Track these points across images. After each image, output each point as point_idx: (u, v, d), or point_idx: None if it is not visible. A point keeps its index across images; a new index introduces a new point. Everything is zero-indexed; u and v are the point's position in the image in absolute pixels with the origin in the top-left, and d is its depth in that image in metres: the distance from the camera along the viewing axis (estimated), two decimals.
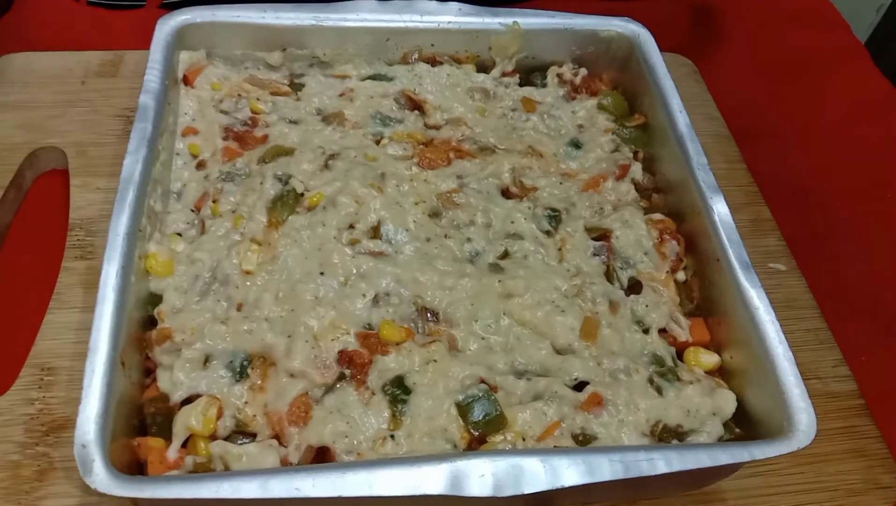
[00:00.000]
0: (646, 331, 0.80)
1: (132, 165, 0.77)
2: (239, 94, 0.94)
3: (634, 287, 0.83)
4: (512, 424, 0.70)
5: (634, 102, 1.00)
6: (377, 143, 0.92)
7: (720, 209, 0.82)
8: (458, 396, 0.71)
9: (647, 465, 0.64)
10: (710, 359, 0.80)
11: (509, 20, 1.00)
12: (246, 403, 0.70)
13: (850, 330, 0.96)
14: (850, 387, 0.91)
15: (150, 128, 0.80)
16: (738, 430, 0.76)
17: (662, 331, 0.81)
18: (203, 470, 0.67)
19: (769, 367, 0.72)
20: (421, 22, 0.98)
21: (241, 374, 0.71)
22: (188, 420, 0.68)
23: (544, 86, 1.02)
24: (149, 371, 0.74)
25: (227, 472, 0.66)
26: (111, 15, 1.20)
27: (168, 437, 0.68)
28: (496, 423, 0.70)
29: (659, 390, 0.75)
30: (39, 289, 0.86)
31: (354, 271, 0.77)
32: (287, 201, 0.82)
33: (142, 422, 0.71)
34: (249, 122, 0.91)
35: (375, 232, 0.81)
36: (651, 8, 1.18)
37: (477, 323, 0.76)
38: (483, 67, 1.02)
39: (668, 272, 0.85)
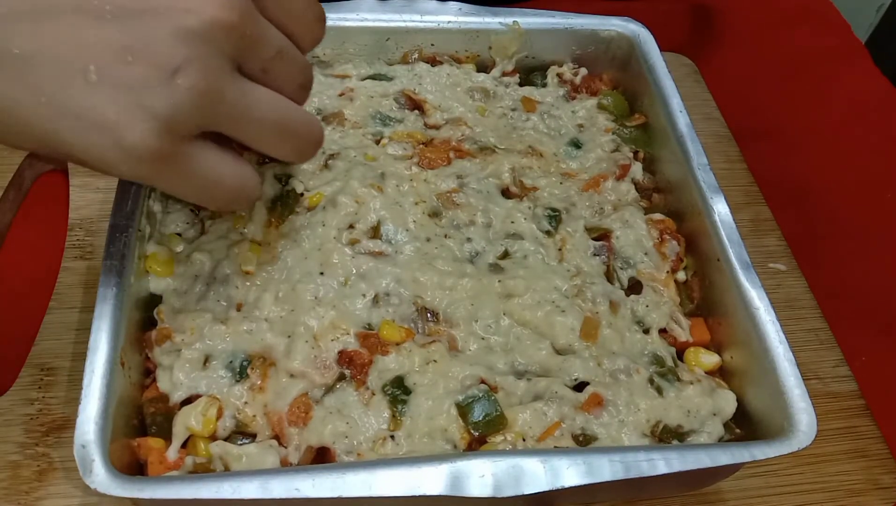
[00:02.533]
0: (646, 331, 0.80)
1: None
2: None
3: (634, 287, 0.83)
4: (512, 424, 0.70)
5: (634, 102, 1.00)
6: (377, 142, 0.91)
7: (720, 209, 0.82)
8: (458, 396, 0.71)
9: (648, 465, 0.64)
10: (710, 359, 0.80)
11: (509, 20, 0.99)
12: (246, 403, 0.70)
13: (850, 330, 0.96)
14: (850, 387, 0.91)
15: None
16: (738, 430, 0.75)
17: (663, 331, 0.81)
18: (203, 470, 0.67)
19: (769, 367, 0.72)
20: (421, 22, 0.98)
21: (240, 374, 0.71)
22: (188, 420, 0.68)
23: (544, 86, 1.02)
24: (149, 371, 0.73)
25: (227, 472, 0.66)
26: None
27: (168, 437, 0.68)
28: (496, 423, 0.70)
29: (659, 391, 0.75)
30: (39, 289, 0.86)
31: (354, 271, 0.77)
32: (287, 201, 0.82)
33: (142, 422, 0.71)
34: None
35: (375, 232, 0.81)
36: (651, 8, 1.18)
37: (477, 323, 0.76)
38: (483, 67, 1.02)
39: (668, 272, 0.85)
